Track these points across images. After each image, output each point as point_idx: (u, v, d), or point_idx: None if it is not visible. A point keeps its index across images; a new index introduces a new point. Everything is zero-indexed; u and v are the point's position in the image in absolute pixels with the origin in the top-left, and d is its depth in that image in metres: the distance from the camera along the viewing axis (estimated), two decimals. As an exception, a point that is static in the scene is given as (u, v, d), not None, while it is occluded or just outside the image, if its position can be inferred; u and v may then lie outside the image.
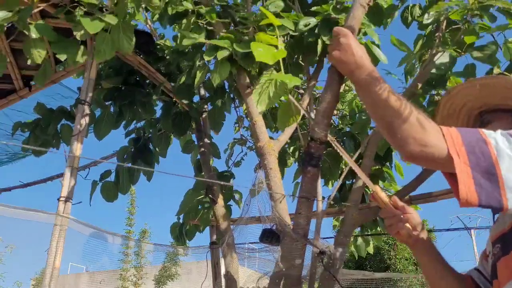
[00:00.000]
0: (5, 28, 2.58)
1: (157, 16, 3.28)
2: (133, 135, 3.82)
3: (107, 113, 3.53)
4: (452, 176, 1.08)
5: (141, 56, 3.38)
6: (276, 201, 2.06)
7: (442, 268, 1.30)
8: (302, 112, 1.79)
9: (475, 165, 1.01)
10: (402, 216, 1.26)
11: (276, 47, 1.86)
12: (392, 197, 1.31)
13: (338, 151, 1.39)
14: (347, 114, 3.88)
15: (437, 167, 1.11)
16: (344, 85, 3.91)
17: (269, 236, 1.87)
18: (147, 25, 3.72)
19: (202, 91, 3.57)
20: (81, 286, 20.60)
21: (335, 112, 3.85)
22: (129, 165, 3.65)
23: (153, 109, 3.75)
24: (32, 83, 3.47)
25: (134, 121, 3.74)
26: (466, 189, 1.01)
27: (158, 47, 3.54)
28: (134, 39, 2.48)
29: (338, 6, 2.29)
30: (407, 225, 1.26)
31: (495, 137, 1.04)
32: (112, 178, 3.54)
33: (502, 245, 1.10)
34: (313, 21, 2.27)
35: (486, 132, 1.06)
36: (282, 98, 2.14)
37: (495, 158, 1.01)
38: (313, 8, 2.39)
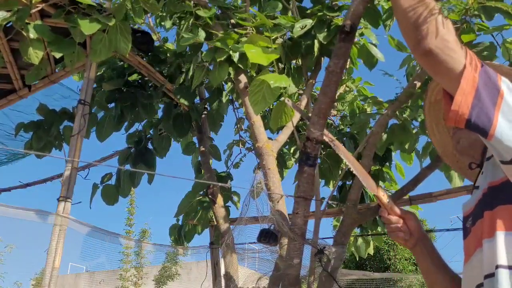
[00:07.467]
0: (4, 27, 2.58)
1: (159, 18, 3.28)
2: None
3: (109, 115, 3.53)
4: (450, 98, 1.06)
5: (143, 58, 3.38)
6: (274, 201, 2.06)
7: (440, 269, 1.30)
8: (296, 112, 1.80)
9: (483, 82, 1.01)
10: (400, 225, 1.30)
11: (269, 48, 1.87)
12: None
13: (337, 152, 1.39)
14: (348, 114, 3.88)
15: (443, 73, 1.06)
16: (344, 85, 3.91)
17: (267, 236, 1.88)
18: (152, 29, 3.72)
19: (203, 92, 3.58)
20: (81, 286, 20.58)
21: (335, 112, 3.85)
22: (128, 167, 3.64)
23: (154, 111, 3.75)
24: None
25: (136, 123, 3.74)
26: (463, 98, 0.99)
27: (161, 49, 3.54)
28: (131, 40, 2.49)
29: (331, 5, 2.29)
30: (405, 229, 1.29)
31: (505, 80, 1.04)
32: (112, 181, 3.53)
33: (473, 217, 1.11)
34: (309, 22, 2.27)
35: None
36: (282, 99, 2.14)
37: (501, 88, 1.01)
38: (309, 11, 2.40)
